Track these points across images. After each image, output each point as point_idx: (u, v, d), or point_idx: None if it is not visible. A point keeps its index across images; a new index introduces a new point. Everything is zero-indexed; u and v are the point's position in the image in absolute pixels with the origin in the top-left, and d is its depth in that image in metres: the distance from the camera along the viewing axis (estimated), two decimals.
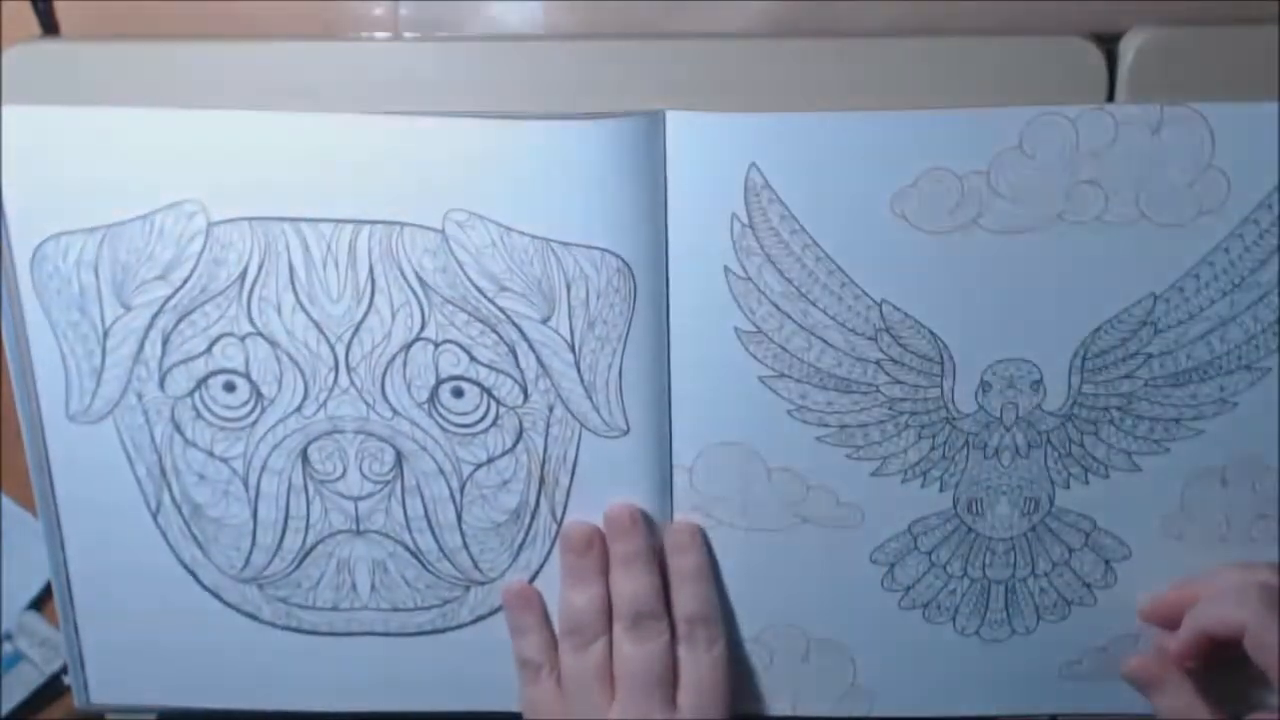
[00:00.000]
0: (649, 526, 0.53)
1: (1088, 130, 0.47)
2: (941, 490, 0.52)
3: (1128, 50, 0.48)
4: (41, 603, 0.62)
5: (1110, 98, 0.48)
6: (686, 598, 0.53)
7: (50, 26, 0.52)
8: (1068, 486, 0.52)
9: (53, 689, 0.63)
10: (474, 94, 0.49)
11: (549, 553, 0.54)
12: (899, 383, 0.51)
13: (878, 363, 0.50)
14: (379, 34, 0.51)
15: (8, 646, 0.62)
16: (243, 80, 0.49)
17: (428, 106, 0.49)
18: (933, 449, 0.52)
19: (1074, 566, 0.54)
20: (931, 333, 0.50)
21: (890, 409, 0.51)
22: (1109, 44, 0.48)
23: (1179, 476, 0.52)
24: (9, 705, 0.62)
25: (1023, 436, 0.51)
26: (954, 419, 0.51)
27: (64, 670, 0.61)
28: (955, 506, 0.53)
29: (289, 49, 0.50)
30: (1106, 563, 0.54)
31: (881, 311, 0.49)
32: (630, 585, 0.52)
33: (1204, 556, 0.53)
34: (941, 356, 0.50)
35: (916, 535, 0.53)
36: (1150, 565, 0.54)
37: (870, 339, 0.50)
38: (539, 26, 0.51)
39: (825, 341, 0.50)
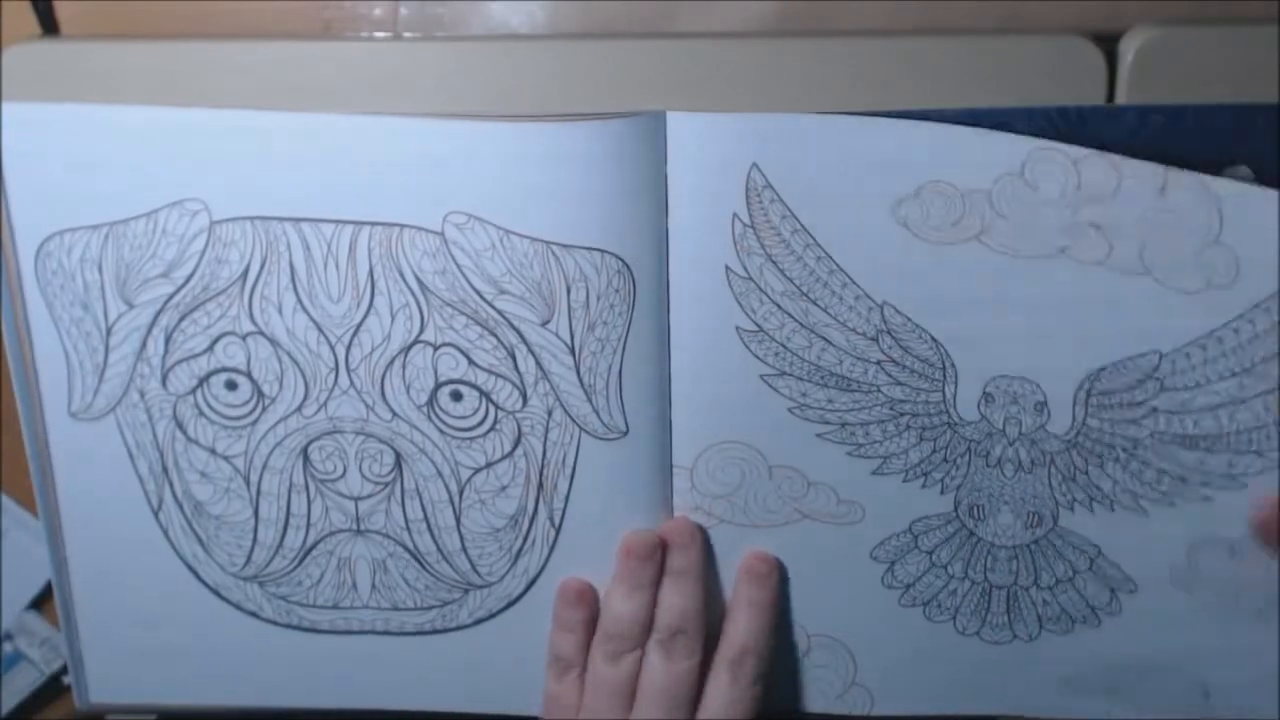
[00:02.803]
0: (707, 545, 0.54)
1: (1090, 174, 0.47)
2: (943, 492, 0.53)
3: (1128, 50, 0.49)
4: (41, 603, 0.62)
5: (1110, 98, 0.49)
6: (744, 628, 0.54)
7: (50, 26, 0.53)
8: (1072, 510, 0.52)
9: (53, 689, 0.63)
10: (474, 94, 0.50)
11: (548, 559, 0.55)
12: (900, 384, 0.51)
13: (879, 363, 0.51)
14: (379, 34, 0.52)
15: (8, 646, 0.62)
16: (243, 80, 0.50)
17: (428, 107, 0.49)
18: (934, 451, 0.52)
19: (1078, 587, 0.54)
20: (933, 338, 0.50)
21: (891, 409, 0.52)
22: (1109, 44, 0.49)
23: (1186, 534, 0.52)
24: (9, 705, 0.62)
25: (1026, 453, 0.52)
26: (956, 424, 0.52)
27: (64, 670, 0.62)
28: (956, 510, 0.53)
29: (289, 49, 0.50)
30: (1112, 591, 0.54)
31: (883, 314, 0.50)
32: (678, 600, 0.53)
33: (1213, 614, 0.53)
34: (943, 362, 0.51)
35: (917, 534, 0.54)
36: (1158, 605, 0.53)
37: (871, 339, 0.50)
38: (539, 26, 0.52)
39: (826, 340, 0.51)
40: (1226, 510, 0.51)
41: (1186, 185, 0.47)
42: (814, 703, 0.57)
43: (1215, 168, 0.49)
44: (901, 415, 0.51)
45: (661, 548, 0.53)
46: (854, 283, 0.50)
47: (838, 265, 0.49)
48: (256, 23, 0.52)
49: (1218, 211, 0.47)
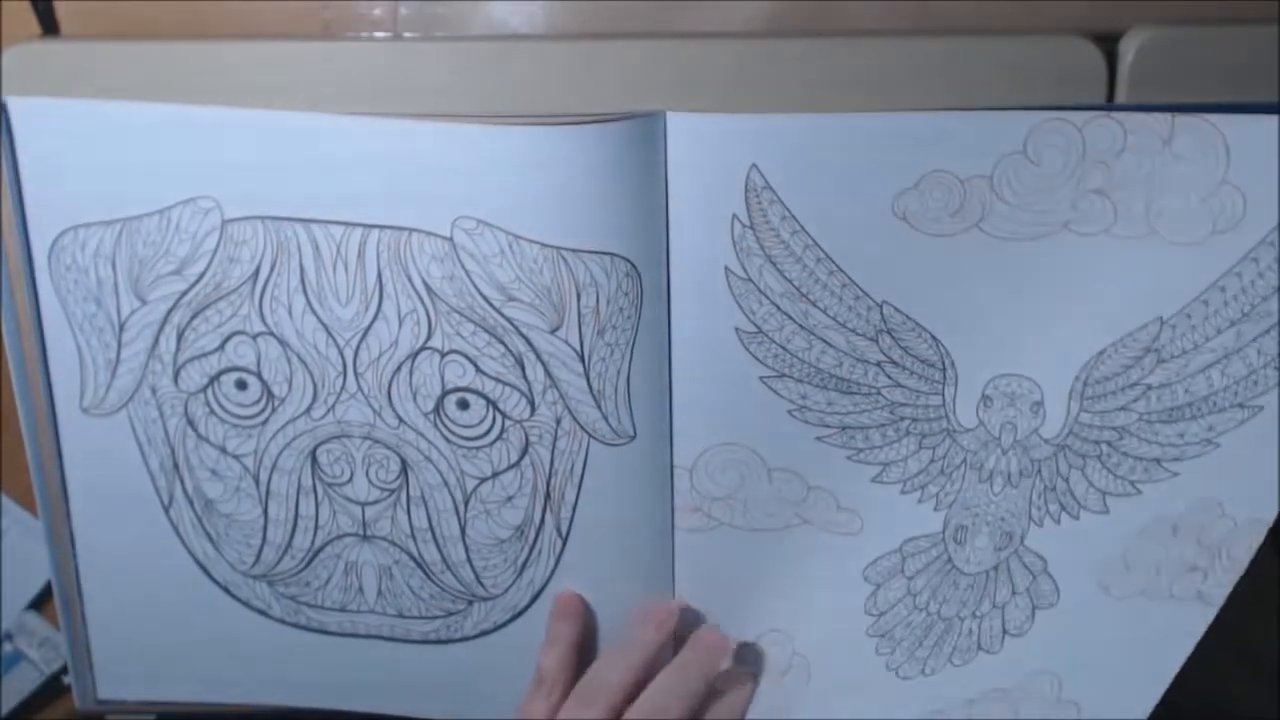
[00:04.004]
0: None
1: (1095, 138, 0.48)
2: (936, 509, 0.54)
3: (1128, 50, 0.50)
4: (41, 603, 0.63)
5: (1110, 98, 0.49)
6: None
7: (50, 26, 0.53)
8: (1041, 525, 0.54)
9: (53, 689, 0.64)
10: (473, 94, 0.51)
11: (553, 570, 0.56)
12: (900, 386, 0.52)
13: (879, 364, 0.52)
14: (379, 34, 0.53)
15: (8, 646, 0.63)
16: (243, 80, 0.51)
17: (427, 107, 0.50)
18: (932, 461, 0.53)
19: (1006, 612, 0.55)
20: (933, 336, 0.51)
21: (891, 413, 0.52)
22: (1109, 44, 0.50)
23: (1138, 522, 0.53)
24: (9, 705, 0.63)
25: (1016, 463, 0.53)
26: (954, 432, 0.53)
27: (64, 670, 0.62)
28: (944, 530, 0.54)
29: (289, 49, 0.51)
30: (1033, 609, 0.55)
31: (883, 313, 0.51)
32: (676, 691, 0.53)
33: (1121, 610, 0.54)
34: (943, 363, 0.51)
35: (905, 556, 0.55)
36: (1068, 614, 0.54)
37: (871, 340, 0.51)
38: (539, 26, 0.53)
39: (826, 342, 0.51)
40: (1188, 481, 0.52)
41: (1192, 128, 0.47)
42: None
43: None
44: (901, 420, 0.53)
45: (672, 627, 0.54)
46: (853, 283, 0.50)
47: (837, 266, 0.50)
48: (256, 23, 0.53)
49: (1225, 149, 0.47)
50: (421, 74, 0.51)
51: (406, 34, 0.53)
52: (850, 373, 0.52)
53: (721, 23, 0.52)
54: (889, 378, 0.52)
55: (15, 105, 0.51)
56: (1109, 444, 0.52)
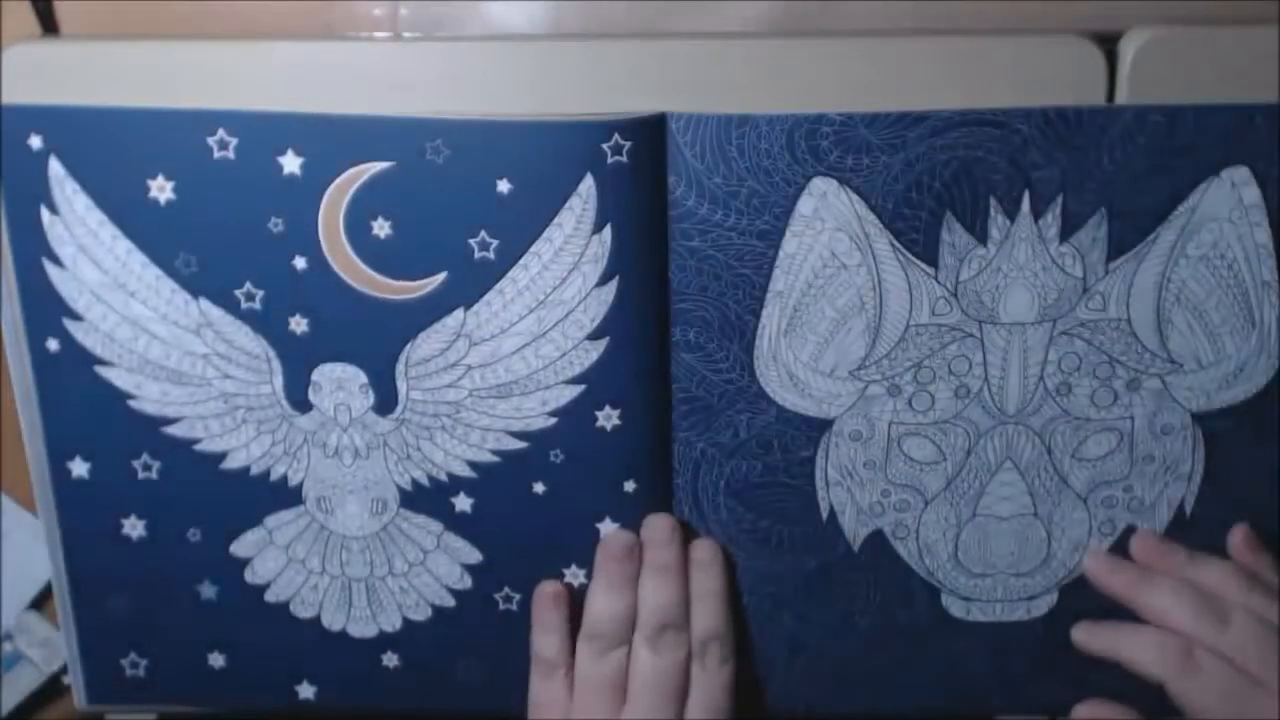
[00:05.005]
0: (684, 540, 0.56)
1: None
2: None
3: (1128, 50, 0.50)
4: (41, 603, 0.63)
5: (1110, 98, 0.50)
6: (703, 614, 0.55)
7: (50, 26, 0.54)
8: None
9: (53, 689, 0.64)
10: (474, 94, 0.51)
11: None
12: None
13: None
14: (379, 34, 0.53)
15: (8, 646, 0.63)
16: (243, 80, 0.51)
17: (428, 107, 0.50)
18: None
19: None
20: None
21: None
22: (1109, 44, 0.50)
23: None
24: (9, 705, 0.63)
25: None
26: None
27: (64, 670, 0.63)
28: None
29: (289, 49, 0.52)
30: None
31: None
32: (659, 595, 0.54)
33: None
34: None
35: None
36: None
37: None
38: (539, 26, 0.53)
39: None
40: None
41: None
42: None
43: (1214, 168, 0.50)
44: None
45: (640, 548, 0.55)
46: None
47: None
48: (256, 23, 0.53)
49: None
50: (422, 74, 0.51)
51: (406, 34, 0.53)
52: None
53: (721, 23, 0.53)
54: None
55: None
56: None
